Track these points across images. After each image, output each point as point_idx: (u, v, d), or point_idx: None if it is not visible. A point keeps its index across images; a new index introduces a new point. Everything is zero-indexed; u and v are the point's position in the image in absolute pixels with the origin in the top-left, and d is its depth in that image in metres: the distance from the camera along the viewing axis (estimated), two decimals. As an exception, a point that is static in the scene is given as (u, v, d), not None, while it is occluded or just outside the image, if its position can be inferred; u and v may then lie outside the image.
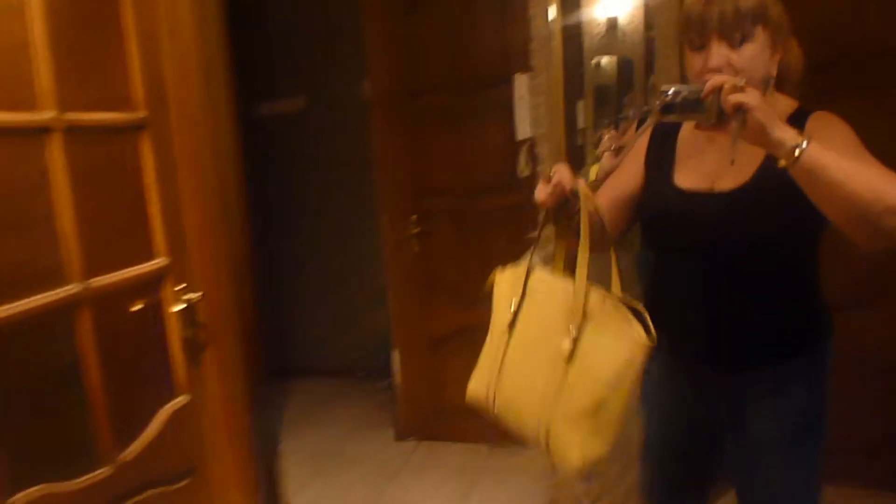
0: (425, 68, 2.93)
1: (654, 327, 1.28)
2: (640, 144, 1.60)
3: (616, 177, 1.63)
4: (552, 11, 2.21)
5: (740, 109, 1.18)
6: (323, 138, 3.93)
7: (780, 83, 1.44)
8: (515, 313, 1.45)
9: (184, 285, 1.98)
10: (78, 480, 1.61)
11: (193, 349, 2.03)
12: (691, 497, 1.72)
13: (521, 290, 1.46)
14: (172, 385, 1.96)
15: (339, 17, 3.62)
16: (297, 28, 3.80)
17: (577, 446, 1.31)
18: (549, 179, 1.38)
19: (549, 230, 1.45)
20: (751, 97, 1.19)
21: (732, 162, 1.26)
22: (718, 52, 1.36)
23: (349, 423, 3.61)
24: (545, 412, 1.35)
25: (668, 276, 1.59)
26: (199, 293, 2.02)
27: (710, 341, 1.52)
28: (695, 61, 1.41)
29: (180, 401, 1.98)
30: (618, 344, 1.29)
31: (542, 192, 1.39)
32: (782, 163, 1.20)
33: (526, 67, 2.34)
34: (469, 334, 2.68)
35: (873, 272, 2.52)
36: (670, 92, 1.27)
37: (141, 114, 1.81)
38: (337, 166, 3.95)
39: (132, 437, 1.79)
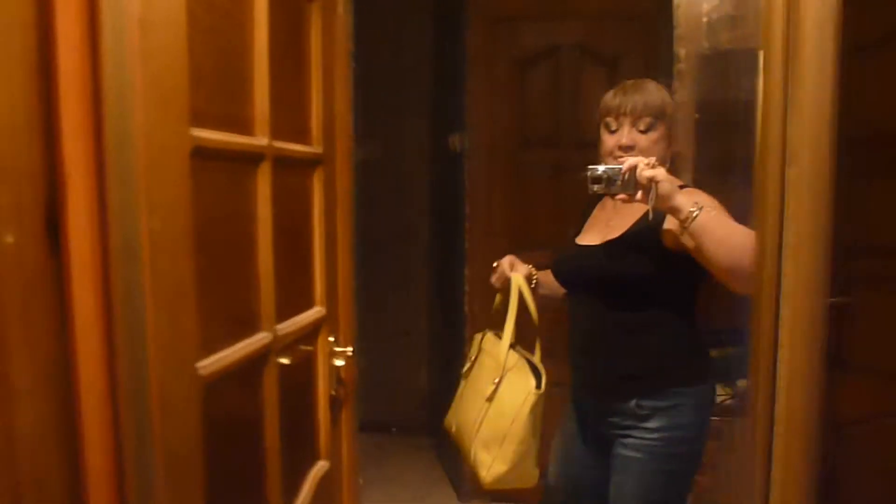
0: (529, 123, 2.93)
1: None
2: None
3: None
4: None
5: (652, 181, 1.54)
6: (394, 184, 3.87)
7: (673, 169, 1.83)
8: (470, 366, 2.03)
9: (332, 339, 1.82)
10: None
11: (336, 409, 1.85)
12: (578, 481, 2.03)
13: (476, 350, 2.04)
14: (316, 448, 1.77)
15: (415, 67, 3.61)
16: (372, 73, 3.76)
17: (486, 466, 1.86)
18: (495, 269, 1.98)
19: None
20: (660, 172, 1.56)
21: (650, 219, 1.63)
22: (629, 135, 1.77)
23: (412, 484, 3.42)
24: (472, 439, 1.90)
25: (570, 321, 1.96)
26: (349, 348, 1.86)
27: (590, 373, 1.92)
28: (609, 141, 1.82)
29: (323, 465, 1.79)
30: (518, 392, 1.83)
31: (492, 277, 1.99)
32: (681, 223, 1.57)
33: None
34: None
35: None
36: (600, 169, 1.63)
37: (318, 149, 1.69)
38: (403, 214, 3.87)
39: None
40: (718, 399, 2.45)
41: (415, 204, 3.87)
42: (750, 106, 2.42)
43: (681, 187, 1.70)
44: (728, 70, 2.41)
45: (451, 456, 3.17)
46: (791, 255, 0.87)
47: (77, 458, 0.85)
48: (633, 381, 1.82)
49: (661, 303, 1.81)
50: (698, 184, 1.97)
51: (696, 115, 2.32)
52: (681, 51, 2.29)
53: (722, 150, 2.43)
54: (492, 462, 1.85)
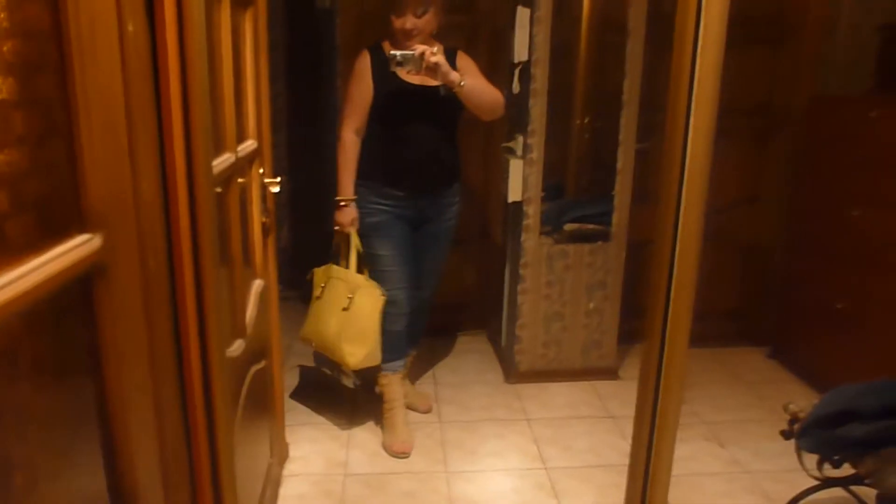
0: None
1: (395, 179, 2.54)
2: (365, 75, 2.53)
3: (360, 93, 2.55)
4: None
5: (437, 66, 2.31)
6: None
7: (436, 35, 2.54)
8: (322, 291, 2.66)
9: (262, 171, 2.01)
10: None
11: (265, 234, 2.07)
12: (411, 267, 2.69)
13: (326, 278, 2.65)
14: (254, 268, 1.99)
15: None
16: None
17: (352, 354, 2.53)
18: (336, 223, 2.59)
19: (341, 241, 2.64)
20: (440, 58, 2.32)
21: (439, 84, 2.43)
22: (412, 20, 2.41)
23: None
24: (335, 339, 2.55)
25: (400, 143, 2.54)
26: (277, 178, 2.05)
27: (427, 175, 2.60)
28: (397, 23, 2.43)
29: (260, 283, 2.02)
30: (371, 299, 2.52)
31: (339, 225, 2.59)
32: (455, 90, 2.38)
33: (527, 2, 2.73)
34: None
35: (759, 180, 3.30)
36: (398, 55, 2.32)
37: (249, -10, 1.80)
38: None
39: (244, 313, 1.82)
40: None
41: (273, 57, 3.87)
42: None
43: (453, 50, 2.54)
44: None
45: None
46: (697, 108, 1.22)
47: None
48: (453, 175, 2.66)
49: (454, 126, 2.62)
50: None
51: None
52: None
53: (565, 13, 2.83)
54: (355, 351, 2.53)
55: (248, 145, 1.86)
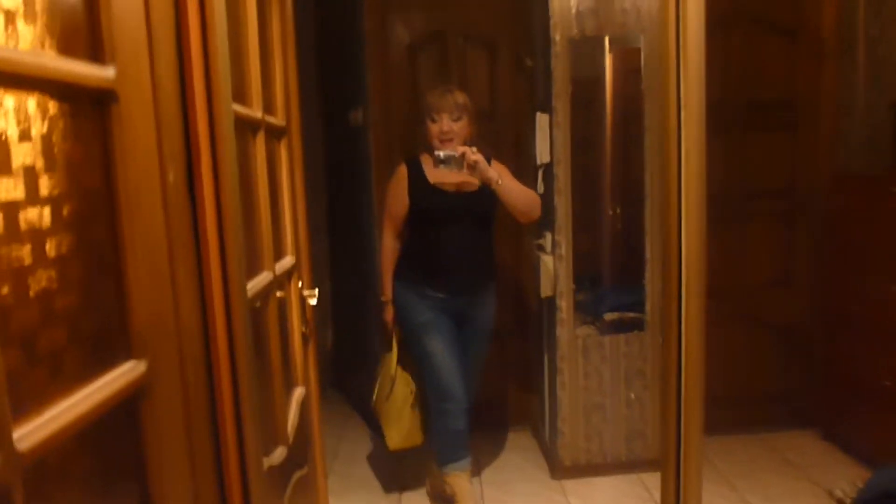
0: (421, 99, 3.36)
1: (434, 282, 2.71)
2: (402, 186, 2.73)
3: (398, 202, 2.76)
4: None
5: (476, 163, 2.48)
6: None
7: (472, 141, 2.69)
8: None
9: (300, 283, 2.14)
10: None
11: (305, 344, 2.18)
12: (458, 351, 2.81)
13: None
14: (295, 376, 2.09)
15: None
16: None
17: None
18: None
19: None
20: (480, 157, 2.50)
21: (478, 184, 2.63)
22: (448, 124, 2.62)
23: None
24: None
25: (437, 248, 2.70)
26: (315, 290, 2.18)
27: (464, 277, 2.75)
28: (434, 128, 2.64)
29: (301, 391, 2.11)
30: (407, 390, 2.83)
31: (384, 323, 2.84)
32: (493, 187, 2.54)
33: (546, 108, 2.89)
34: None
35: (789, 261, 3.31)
36: (442, 155, 2.51)
37: (283, 121, 1.99)
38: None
39: (286, 421, 1.90)
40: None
41: (310, 176, 4.12)
42: (597, 81, 3.00)
43: (487, 157, 2.63)
44: (589, 52, 2.94)
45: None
46: (687, 191, 1.32)
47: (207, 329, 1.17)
48: (489, 276, 2.84)
49: (490, 228, 2.80)
50: (574, 138, 2.92)
51: (570, 88, 2.83)
52: (556, 36, 2.78)
53: (584, 116, 2.99)
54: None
55: (286, 262, 1.99)
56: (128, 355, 0.95)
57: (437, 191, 2.68)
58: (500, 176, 2.56)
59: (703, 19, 1.12)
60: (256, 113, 1.67)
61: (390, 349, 2.82)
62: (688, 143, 1.17)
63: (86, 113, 0.88)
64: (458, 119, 2.61)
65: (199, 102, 1.12)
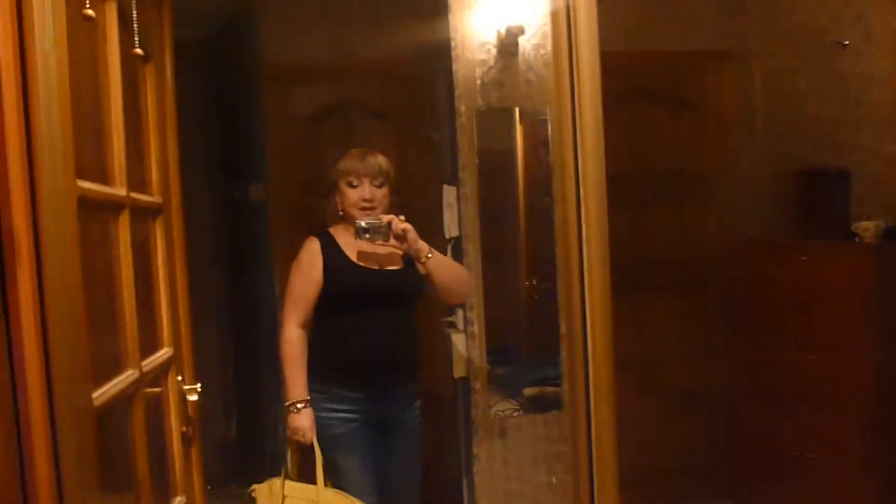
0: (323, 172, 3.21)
1: (351, 379, 2.28)
2: (314, 263, 2.32)
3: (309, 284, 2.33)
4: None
5: (405, 231, 2.21)
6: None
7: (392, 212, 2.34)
8: None
9: (179, 378, 1.91)
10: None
11: (186, 445, 1.93)
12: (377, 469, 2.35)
13: (278, 499, 2.25)
14: (174, 484, 1.84)
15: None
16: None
17: None
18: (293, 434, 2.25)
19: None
20: (408, 226, 2.22)
21: (403, 257, 2.34)
22: (370, 190, 2.31)
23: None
24: None
25: (355, 336, 2.31)
26: (197, 385, 1.95)
27: (387, 366, 2.34)
28: (353, 195, 2.31)
29: (180, 501, 1.85)
30: None
31: (297, 436, 2.24)
32: (423, 260, 2.27)
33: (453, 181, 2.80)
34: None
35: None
36: (363, 223, 2.21)
37: (158, 199, 1.80)
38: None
39: (156, 540, 1.65)
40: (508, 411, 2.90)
41: (208, 255, 3.88)
42: (508, 153, 2.96)
43: None
44: (496, 123, 2.89)
45: None
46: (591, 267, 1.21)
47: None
48: (414, 366, 2.47)
49: (414, 310, 2.46)
50: (481, 211, 2.77)
51: (477, 161, 2.75)
52: (461, 107, 2.71)
53: (494, 188, 2.93)
54: None
55: (162, 354, 1.77)
56: None
57: (357, 269, 2.31)
58: (429, 249, 2.28)
59: (598, 96, 1.03)
60: (119, 191, 1.48)
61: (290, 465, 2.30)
62: (588, 216, 1.06)
63: None
64: (380, 185, 2.31)
65: (15, 184, 0.93)
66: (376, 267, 2.34)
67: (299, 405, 2.24)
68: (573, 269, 1.09)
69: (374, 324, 2.30)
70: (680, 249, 3.45)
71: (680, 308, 3.45)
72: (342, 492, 2.19)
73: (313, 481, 2.23)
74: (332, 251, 2.32)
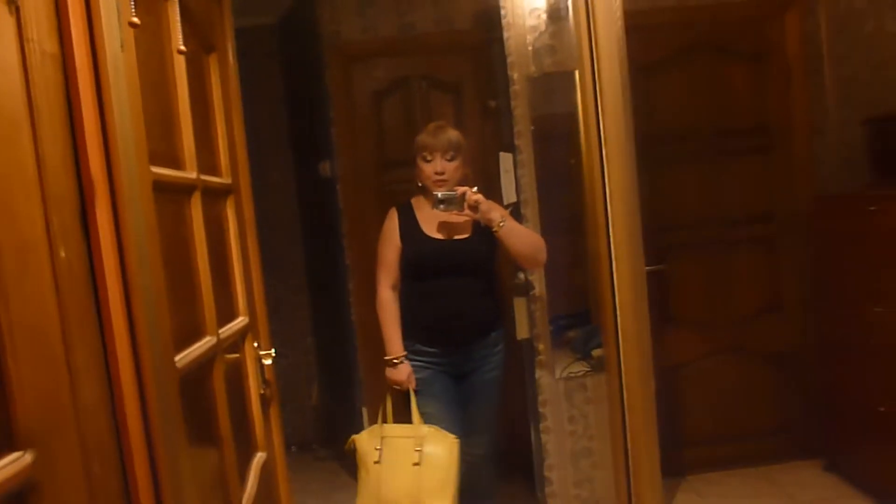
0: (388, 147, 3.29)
1: (426, 336, 2.52)
2: (393, 234, 2.57)
3: (390, 249, 2.59)
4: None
5: (477, 202, 2.38)
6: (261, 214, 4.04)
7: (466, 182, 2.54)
8: (379, 454, 2.46)
9: (256, 344, 2.07)
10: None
11: (265, 406, 2.10)
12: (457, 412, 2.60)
13: (378, 439, 2.48)
14: (254, 441, 2.01)
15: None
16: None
17: None
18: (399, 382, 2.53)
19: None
20: (481, 197, 2.40)
21: (472, 226, 2.52)
22: (441, 164, 2.47)
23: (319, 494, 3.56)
24: (412, 499, 2.38)
25: (428, 300, 2.54)
26: (272, 350, 2.11)
27: (457, 331, 2.57)
28: (427, 168, 2.50)
29: (261, 456, 2.02)
30: (444, 447, 2.40)
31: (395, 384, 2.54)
32: (495, 229, 2.43)
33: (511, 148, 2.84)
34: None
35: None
36: (440, 194, 2.40)
37: (227, 180, 1.95)
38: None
39: (239, 491, 1.81)
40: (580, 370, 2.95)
41: (285, 231, 4.08)
42: (569, 116, 2.96)
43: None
44: (552, 88, 2.91)
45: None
46: (615, 227, 1.26)
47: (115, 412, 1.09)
48: (488, 326, 2.62)
49: (491, 273, 2.63)
50: (552, 174, 2.86)
51: (532, 126, 2.79)
52: (514, 74, 2.75)
53: (552, 152, 2.95)
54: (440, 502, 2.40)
55: (238, 322, 1.93)
56: (11, 447, 0.88)
57: (427, 239, 2.54)
58: (502, 217, 2.43)
59: (617, 57, 1.07)
60: (190, 174, 1.62)
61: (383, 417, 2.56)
62: (612, 181, 1.11)
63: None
64: (451, 158, 2.47)
65: (96, 172, 1.07)
66: (444, 237, 2.53)
67: (396, 361, 2.52)
68: (600, 228, 1.14)
69: (446, 288, 2.52)
70: (757, 205, 3.37)
71: (761, 265, 3.38)
72: (435, 427, 2.46)
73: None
74: (408, 222, 2.57)
